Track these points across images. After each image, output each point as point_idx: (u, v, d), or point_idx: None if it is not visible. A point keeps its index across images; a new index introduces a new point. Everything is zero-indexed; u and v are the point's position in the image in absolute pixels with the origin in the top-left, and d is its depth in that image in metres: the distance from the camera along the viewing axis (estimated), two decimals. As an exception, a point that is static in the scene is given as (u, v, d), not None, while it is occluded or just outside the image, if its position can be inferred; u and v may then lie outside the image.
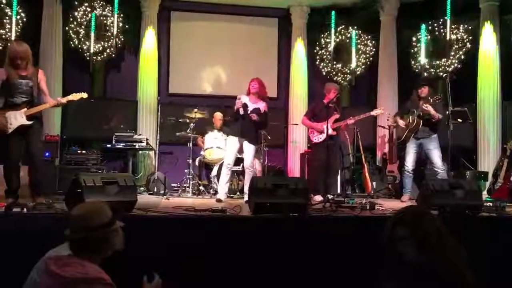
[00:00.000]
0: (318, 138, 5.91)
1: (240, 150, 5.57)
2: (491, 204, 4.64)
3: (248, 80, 5.60)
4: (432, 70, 8.15)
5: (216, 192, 5.85)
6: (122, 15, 8.02)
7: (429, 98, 5.84)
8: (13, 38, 7.17)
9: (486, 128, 7.57)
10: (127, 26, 8.16)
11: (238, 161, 5.91)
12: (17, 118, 4.37)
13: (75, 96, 4.73)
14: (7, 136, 4.38)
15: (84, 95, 4.81)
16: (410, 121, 5.91)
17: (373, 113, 6.11)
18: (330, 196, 4.95)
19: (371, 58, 8.68)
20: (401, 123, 6.00)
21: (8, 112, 4.34)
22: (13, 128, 4.35)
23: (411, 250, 1.81)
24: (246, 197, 5.23)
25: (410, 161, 5.97)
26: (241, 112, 5.40)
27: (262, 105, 5.49)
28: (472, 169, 7.39)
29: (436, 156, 5.79)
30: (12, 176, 4.44)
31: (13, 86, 4.38)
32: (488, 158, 7.45)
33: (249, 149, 5.43)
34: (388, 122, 7.38)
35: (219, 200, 5.23)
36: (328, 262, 3.50)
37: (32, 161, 4.52)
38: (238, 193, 6.20)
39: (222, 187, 5.41)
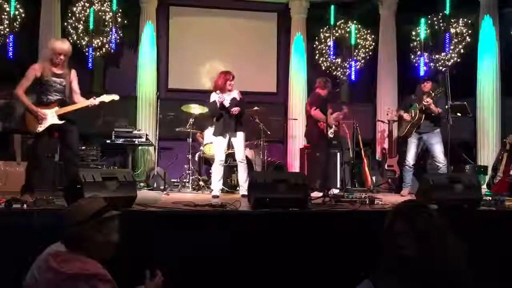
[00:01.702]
0: (330, 132, 5.95)
1: (229, 144, 5.58)
2: (490, 198, 4.64)
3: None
4: (431, 64, 8.15)
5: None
6: (120, 10, 7.99)
7: (431, 92, 5.84)
8: (11, 34, 7.16)
9: (485, 122, 7.57)
10: (125, 21, 8.13)
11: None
12: (48, 118, 4.29)
13: (106, 98, 4.58)
14: (36, 134, 4.31)
15: (116, 97, 4.62)
16: (413, 115, 5.91)
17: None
18: (331, 192, 4.96)
19: (370, 53, 8.66)
20: (406, 115, 5.99)
21: (41, 111, 4.26)
22: (43, 128, 4.28)
23: (409, 244, 1.81)
24: (241, 191, 5.28)
25: (411, 156, 5.96)
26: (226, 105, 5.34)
27: (236, 94, 5.45)
28: (471, 163, 7.39)
29: (438, 150, 5.79)
30: (33, 174, 4.35)
31: (47, 84, 4.32)
32: (487, 152, 7.46)
33: (239, 137, 5.40)
34: (387, 116, 7.37)
35: (215, 196, 5.24)
36: (327, 257, 3.51)
37: (65, 166, 4.44)
38: (237, 188, 6.19)
39: (216, 183, 5.41)
